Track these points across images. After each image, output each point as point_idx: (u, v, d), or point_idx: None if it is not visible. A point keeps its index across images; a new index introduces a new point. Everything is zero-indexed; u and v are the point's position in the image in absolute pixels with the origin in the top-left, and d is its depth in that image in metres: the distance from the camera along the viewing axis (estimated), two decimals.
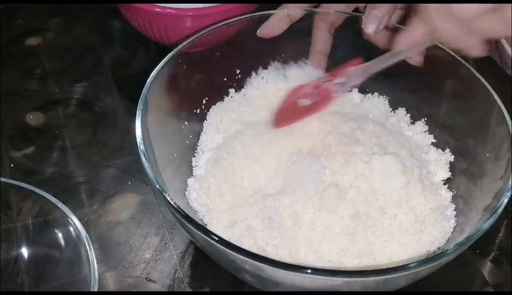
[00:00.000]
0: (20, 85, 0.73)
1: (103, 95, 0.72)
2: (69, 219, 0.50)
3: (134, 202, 0.61)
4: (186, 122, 0.61)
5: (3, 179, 0.53)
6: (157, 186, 0.48)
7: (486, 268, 0.58)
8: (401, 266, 0.44)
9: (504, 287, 0.56)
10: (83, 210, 0.60)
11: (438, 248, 0.53)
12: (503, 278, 0.57)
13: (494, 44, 0.81)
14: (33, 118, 0.69)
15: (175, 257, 0.56)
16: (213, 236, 0.45)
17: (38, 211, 0.52)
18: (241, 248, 0.44)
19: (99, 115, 0.70)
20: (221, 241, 0.45)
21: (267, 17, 0.63)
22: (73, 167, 0.64)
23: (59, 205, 0.51)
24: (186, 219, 0.46)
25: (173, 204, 0.47)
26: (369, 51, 0.64)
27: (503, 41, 0.78)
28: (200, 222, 0.51)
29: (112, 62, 0.76)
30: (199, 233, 0.46)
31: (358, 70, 0.56)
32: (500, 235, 0.60)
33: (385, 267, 0.45)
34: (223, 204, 0.55)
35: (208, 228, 0.53)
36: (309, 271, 0.43)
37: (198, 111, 0.63)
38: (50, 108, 0.70)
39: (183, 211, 0.47)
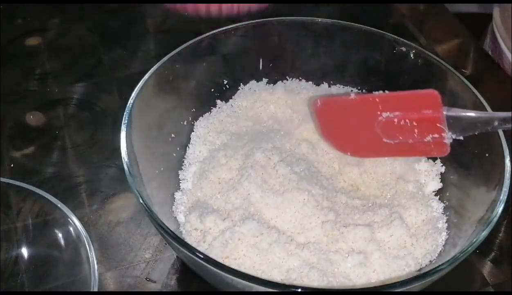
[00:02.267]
0: (20, 85, 0.73)
1: (103, 95, 0.72)
2: (69, 219, 0.50)
3: (134, 202, 0.60)
4: (173, 135, 0.60)
5: (3, 179, 0.53)
6: (141, 200, 0.47)
7: (486, 268, 0.58)
8: (392, 284, 0.43)
9: (504, 287, 0.56)
10: (83, 210, 0.60)
11: (430, 261, 0.53)
12: (503, 278, 0.57)
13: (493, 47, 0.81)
14: (33, 118, 0.69)
15: (175, 257, 0.56)
16: (198, 254, 0.44)
17: (38, 211, 0.52)
18: (229, 268, 0.44)
19: (99, 115, 0.70)
20: (206, 259, 0.44)
21: (250, 28, 0.63)
22: (73, 167, 0.64)
23: (59, 205, 0.51)
24: (168, 234, 0.45)
25: (158, 220, 0.46)
26: (363, 61, 0.64)
27: (503, 46, 0.77)
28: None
29: (112, 62, 0.76)
30: (183, 250, 0.45)
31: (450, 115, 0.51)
32: (500, 235, 0.60)
33: (378, 284, 0.45)
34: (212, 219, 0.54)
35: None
36: (299, 290, 0.43)
37: (185, 123, 0.62)
38: (50, 108, 0.70)
39: (168, 228, 0.46)
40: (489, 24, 0.86)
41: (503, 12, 0.80)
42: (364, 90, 0.66)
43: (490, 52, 0.81)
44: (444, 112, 0.51)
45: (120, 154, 0.50)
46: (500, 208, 0.48)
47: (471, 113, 0.51)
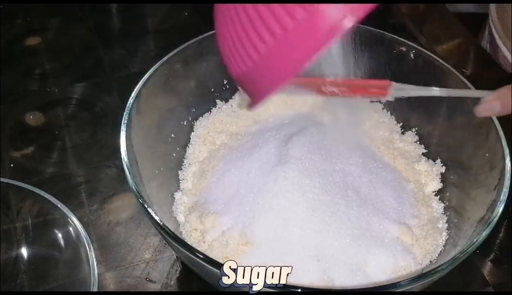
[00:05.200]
0: (20, 85, 0.73)
1: (103, 95, 0.72)
2: (69, 219, 0.50)
3: (134, 202, 0.60)
4: (173, 135, 0.60)
5: (3, 179, 0.53)
6: (141, 200, 0.47)
7: (486, 268, 0.58)
8: (392, 284, 0.43)
9: (504, 287, 0.56)
10: (83, 210, 0.60)
11: (430, 261, 0.53)
12: (503, 278, 0.57)
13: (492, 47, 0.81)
14: (33, 118, 0.69)
15: (175, 257, 0.56)
16: (198, 254, 0.44)
17: (38, 211, 0.52)
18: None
19: (99, 115, 0.70)
20: (206, 259, 0.44)
21: None
22: (73, 167, 0.64)
23: (59, 205, 0.51)
24: (167, 235, 0.45)
25: (158, 220, 0.46)
26: (363, 61, 0.64)
27: (501, 45, 0.77)
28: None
29: (112, 62, 0.76)
30: (183, 250, 0.45)
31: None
32: (500, 235, 0.60)
33: (378, 284, 0.45)
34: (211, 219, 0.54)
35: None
36: (299, 290, 0.43)
37: (185, 123, 0.62)
38: (50, 108, 0.70)
39: (168, 228, 0.46)
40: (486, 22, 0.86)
41: (500, 6, 0.80)
42: None
43: (488, 48, 0.81)
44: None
45: (120, 154, 0.50)
46: (500, 208, 0.48)
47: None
